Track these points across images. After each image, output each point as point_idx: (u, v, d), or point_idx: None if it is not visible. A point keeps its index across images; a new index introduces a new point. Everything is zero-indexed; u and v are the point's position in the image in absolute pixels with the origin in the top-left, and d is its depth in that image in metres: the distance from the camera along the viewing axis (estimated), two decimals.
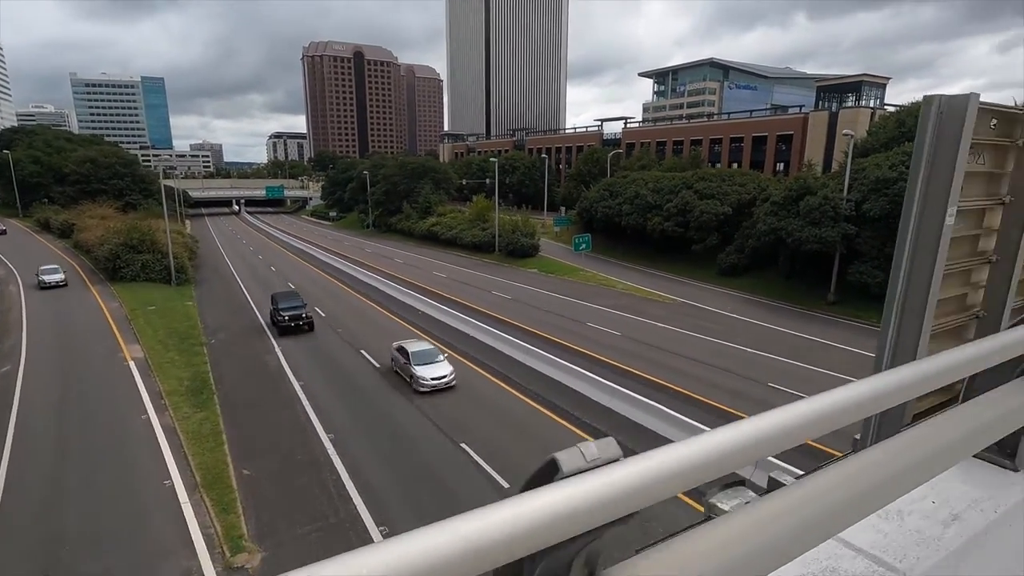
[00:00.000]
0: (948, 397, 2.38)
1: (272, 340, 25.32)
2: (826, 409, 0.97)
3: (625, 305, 31.26)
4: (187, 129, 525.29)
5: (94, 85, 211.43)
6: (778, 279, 34.19)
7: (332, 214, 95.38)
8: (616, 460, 0.77)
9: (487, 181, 70.04)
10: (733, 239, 38.07)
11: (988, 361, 1.61)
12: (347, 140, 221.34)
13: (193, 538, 11.38)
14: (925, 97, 2.09)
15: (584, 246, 41.92)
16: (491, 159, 66.18)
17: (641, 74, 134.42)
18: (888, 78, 51.54)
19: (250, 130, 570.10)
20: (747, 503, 1.05)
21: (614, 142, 76.00)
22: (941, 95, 2.08)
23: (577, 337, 24.76)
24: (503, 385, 19.49)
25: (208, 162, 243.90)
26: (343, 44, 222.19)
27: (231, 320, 29.34)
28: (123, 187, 66.93)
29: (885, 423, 2.39)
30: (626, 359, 21.72)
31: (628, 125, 79.47)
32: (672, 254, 41.79)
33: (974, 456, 1.86)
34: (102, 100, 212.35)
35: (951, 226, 2.13)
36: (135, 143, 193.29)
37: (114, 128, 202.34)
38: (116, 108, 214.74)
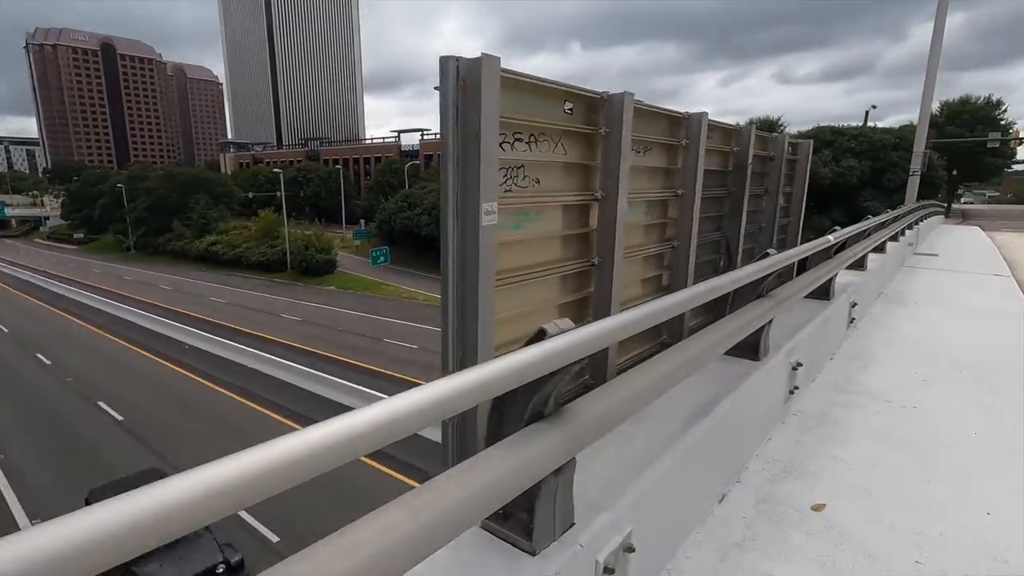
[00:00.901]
0: None
1: None
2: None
3: (425, 316, 30.76)
4: None
5: None
6: None
7: (78, 236, 78.54)
8: None
9: (278, 194, 64.11)
10: None
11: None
12: (99, 148, 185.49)
13: None
14: (441, 59, 1.61)
15: (383, 259, 40.51)
16: (275, 170, 60.98)
17: (437, 88, 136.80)
18: (642, 101, 59.70)
19: None
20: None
21: (412, 153, 75.84)
22: (459, 57, 1.62)
23: (374, 356, 23.44)
24: (285, 421, 17.36)
25: None
26: (85, 34, 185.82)
27: None
28: None
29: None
30: (426, 373, 21.10)
31: (425, 137, 79.97)
32: None
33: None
34: None
35: (491, 228, 1.69)
36: None
37: None
38: None
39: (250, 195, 72.97)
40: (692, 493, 2.20)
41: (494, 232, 1.71)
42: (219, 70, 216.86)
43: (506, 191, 1.94)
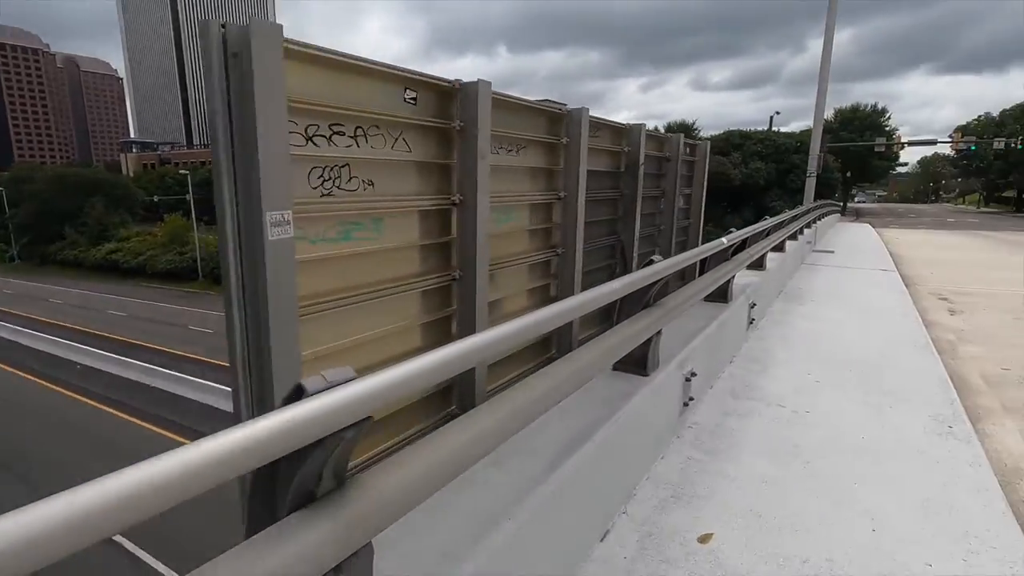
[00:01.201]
0: None
1: None
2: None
3: None
4: None
5: None
6: None
7: None
8: None
9: (187, 197, 59.84)
10: None
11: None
12: None
13: None
14: (201, 25, 1.24)
15: None
16: (183, 171, 57.02)
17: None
18: (564, 104, 60.85)
19: None
20: None
21: None
22: (225, 24, 1.25)
23: None
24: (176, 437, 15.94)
25: None
26: None
27: None
28: None
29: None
30: None
31: None
32: None
33: None
34: None
35: (284, 242, 1.33)
36: None
37: None
38: None
39: (155, 199, 67.73)
40: (567, 536, 1.94)
41: (290, 247, 1.35)
42: (119, 64, 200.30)
43: (323, 195, 1.59)
